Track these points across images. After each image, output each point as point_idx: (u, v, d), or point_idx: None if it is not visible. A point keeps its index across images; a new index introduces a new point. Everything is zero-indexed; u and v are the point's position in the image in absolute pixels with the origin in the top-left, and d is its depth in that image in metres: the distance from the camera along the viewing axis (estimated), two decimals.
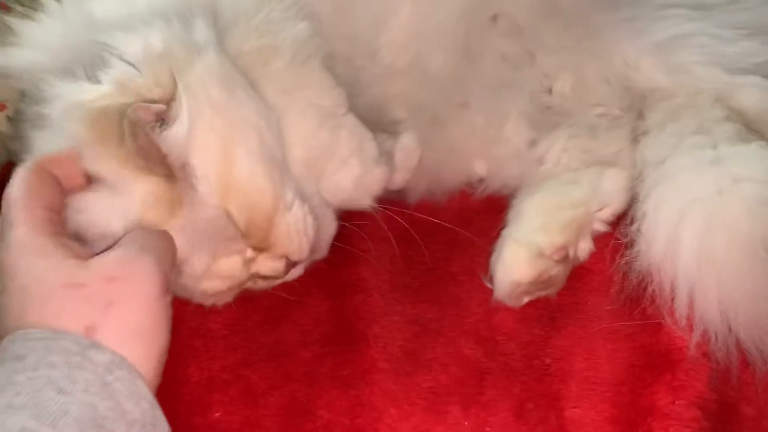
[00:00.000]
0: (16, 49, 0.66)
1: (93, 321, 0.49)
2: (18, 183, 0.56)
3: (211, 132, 0.60)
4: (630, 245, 0.66)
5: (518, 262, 0.67)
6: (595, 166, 0.74)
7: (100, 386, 0.46)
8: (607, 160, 0.74)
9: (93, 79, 0.60)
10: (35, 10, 0.68)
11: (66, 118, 0.60)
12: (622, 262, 0.65)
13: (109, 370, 0.47)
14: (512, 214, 0.72)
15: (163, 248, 0.56)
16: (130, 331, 0.50)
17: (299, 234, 0.65)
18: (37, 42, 0.66)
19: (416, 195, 0.81)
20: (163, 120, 0.59)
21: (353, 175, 0.71)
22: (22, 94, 0.68)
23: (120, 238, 0.56)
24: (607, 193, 0.72)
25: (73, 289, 0.50)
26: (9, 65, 0.66)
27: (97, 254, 0.54)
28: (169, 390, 0.61)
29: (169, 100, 0.60)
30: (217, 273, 0.63)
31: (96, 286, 0.50)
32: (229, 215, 0.61)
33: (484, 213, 0.79)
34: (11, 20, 0.68)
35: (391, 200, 0.78)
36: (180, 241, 0.60)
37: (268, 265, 0.65)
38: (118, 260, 0.53)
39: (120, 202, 0.58)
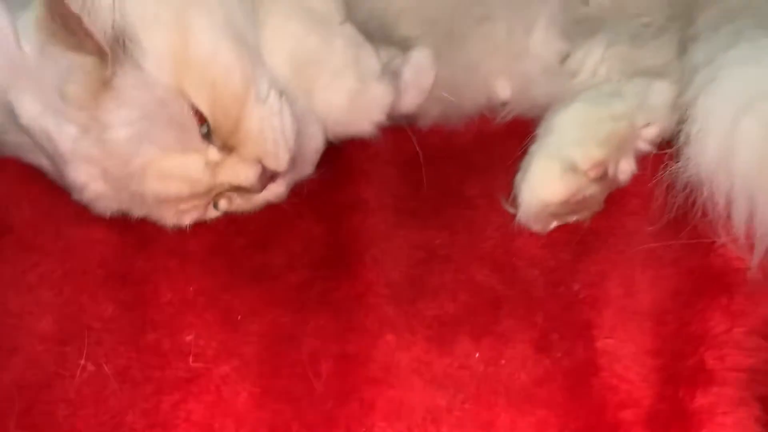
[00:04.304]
0: None
1: None
2: None
3: (162, 2, 0.54)
4: (676, 155, 0.56)
5: (548, 178, 0.57)
6: (640, 77, 0.63)
7: None
8: (652, 73, 0.64)
9: None
10: None
11: None
12: (666, 173, 0.55)
13: None
14: (542, 129, 0.62)
15: None
16: None
17: (275, 131, 0.56)
18: None
19: (429, 119, 0.71)
20: None
21: (348, 90, 0.62)
22: None
23: None
24: (654, 107, 0.61)
25: None
26: None
27: None
28: (135, 310, 0.54)
29: None
30: (170, 172, 0.55)
31: None
32: (184, 96, 0.53)
33: (506, 137, 0.69)
34: None
35: (399, 125, 0.70)
36: (120, 129, 0.53)
37: (238, 171, 0.56)
38: None
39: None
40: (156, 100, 0.53)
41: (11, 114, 0.59)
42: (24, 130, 0.58)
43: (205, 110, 0.54)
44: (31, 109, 0.57)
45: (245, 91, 0.55)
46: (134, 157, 0.54)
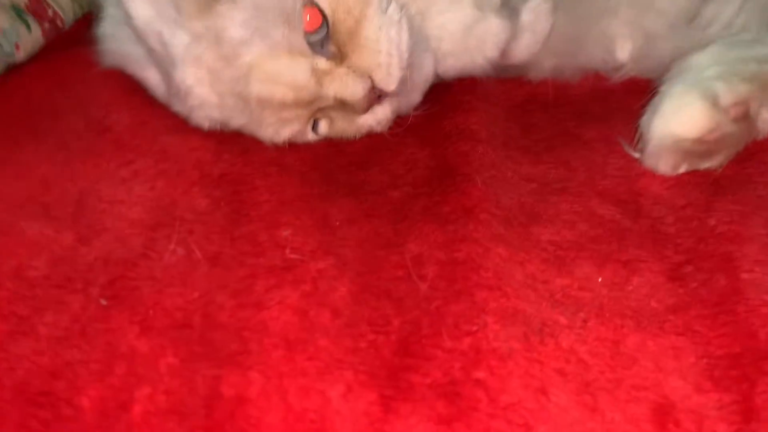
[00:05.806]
0: None
1: None
2: None
3: None
4: None
5: (686, 109, 0.53)
6: None
7: None
8: None
9: None
10: None
11: None
12: None
13: None
14: (675, 71, 0.58)
15: None
16: None
17: (390, 43, 0.54)
18: None
19: (540, 72, 0.68)
20: None
21: (464, 17, 0.59)
22: None
23: None
24: None
25: None
26: None
27: None
28: (231, 205, 0.52)
29: None
30: (276, 74, 0.53)
31: None
32: None
33: (625, 92, 0.65)
34: None
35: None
36: (233, 30, 0.52)
37: (347, 83, 0.54)
38: None
39: None
40: None
41: (125, 22, 0.59)
42: (138, 34, 0.58)
43: (326, 7, 0.52)
44: (145, 14, 0.56)
45: None
46: (243, 55, 0.52)
